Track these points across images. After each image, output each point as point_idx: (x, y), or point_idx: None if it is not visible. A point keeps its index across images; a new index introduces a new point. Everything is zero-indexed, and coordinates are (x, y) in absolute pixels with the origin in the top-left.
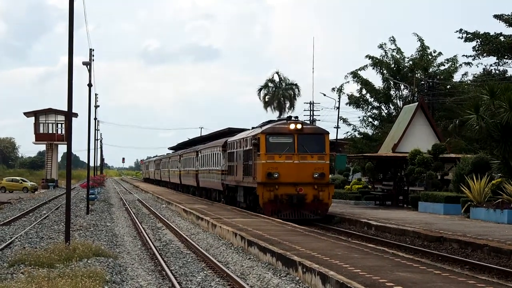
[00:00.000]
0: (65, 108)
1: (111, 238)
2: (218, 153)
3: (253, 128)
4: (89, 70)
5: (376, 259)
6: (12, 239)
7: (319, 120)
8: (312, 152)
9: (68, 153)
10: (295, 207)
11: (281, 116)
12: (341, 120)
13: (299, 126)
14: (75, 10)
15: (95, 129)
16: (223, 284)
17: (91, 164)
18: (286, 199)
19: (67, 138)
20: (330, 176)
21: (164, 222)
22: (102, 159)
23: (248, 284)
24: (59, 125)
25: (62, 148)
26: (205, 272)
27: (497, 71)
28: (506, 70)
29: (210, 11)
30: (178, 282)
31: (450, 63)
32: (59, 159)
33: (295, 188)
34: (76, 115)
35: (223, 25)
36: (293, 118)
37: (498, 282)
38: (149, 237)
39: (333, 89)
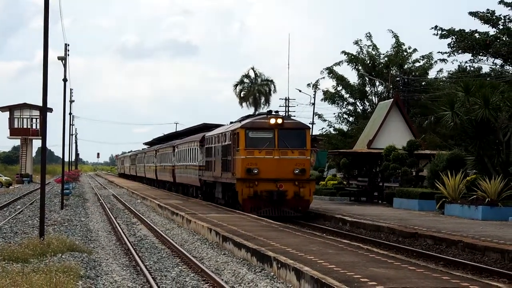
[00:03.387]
0: (41, 103)
1: (86, 233)
2: (195, 148)
3: (231, 122)
4: (64, 65)
5: (351, 255)
6: None
7: (295, 116)
8: (293, 148)
9: (43, 148)
10: (275, 204)
11: (257, 112)
12: (317, 116)
13: (279, 120)
14: (51, 6)
15: (70, 124)
16: (197, 280)
17: (66, 159)
18: (266, 196)
19: (42, 133)
20: None
21: (139, 217)
22: (77, 154)
23: (222, 279)
24: (34, 120)
25: (37, 143)
26: (180, 267)
27: (472, 68)
28: (481, 67)
29: (188, 7)
30: (152, 278)
31: (425, 59)
32: (34, 154)
33: (275, 184)
34: (51, 110)
35: (200, 21)
36: (273, 113)
37: (472, 278)
38: (123, 232)
39: (308, 85)
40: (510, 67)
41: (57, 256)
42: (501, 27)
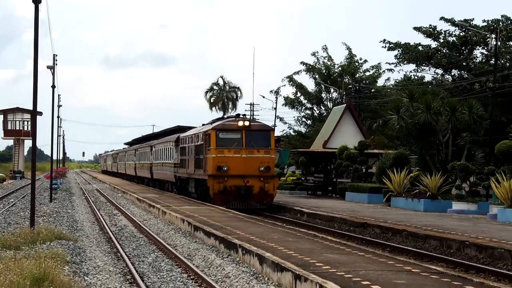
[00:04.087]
0: (32, 107)
1: (72, 223)
2: (171, 148)
3: (203, 125)
4: (53, 73)
5: (307, 242)
6: None
7: (259, 120)
8: (259, 147)
9: (33, 148)
10: (242, 198)
11: (225, 115)
12: (278, 119)
13: (247, 123)
14: (41, 20)
15: (58, 126)
16: (171, 264)
17: (54, 157)
18: (234, 190)
19: (32, 134)
20: None
21: (120, 210)
22: (64, 153)
23: (194, 264)
24: (26, 123)
25: (28, 143)
26: (156, 253)
27: (415, 77)
28: (424, 76)
29: (165, 22)
30: (131, 263)
31: (374, 69)
32: (26, 153)
33: (243, 180)
34: (41, 113)
35: (176, 35)
36: (241, 116)
37: (415, 263)
38: (106, 223)
39: (271, 91)
40: (449, 76)
41: (46, 243)
42: (441, 40)
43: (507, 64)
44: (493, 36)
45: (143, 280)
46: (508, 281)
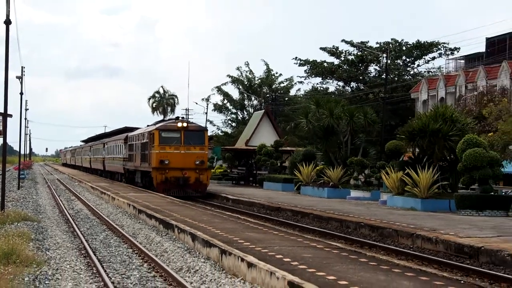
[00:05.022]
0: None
1: (36, 207)
2: (121, 145)
3: (148, 125)
4: (21, 82)
5: (232, 223)
6: None
7: (194, 122)
8: (195, 145)
9: (4, 145)
10: (181, 187)
11: (166, 118)
12: (208, 122)
13: (185, 124)
14: (12, 38)
15: (25, 126)
16: (119, 241)
17: (22, 152)
18: (174, 181)
19: (4, 133)
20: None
21: (76, 196)
22: (30, 149)
23: (137, 241)
24: None
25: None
26: (106, 232)
27: (321, 88)
28: (328, 87)
29: (116, 41)
30: (86, 240)
31: (287, 81)
32: None
33: (181, 172)
34: (11, 115)
35: (126, 51)
36: (180, 118)
37: (319, 240)
38: (64, 207)
39: (203, 99)
40: (349, 88)
41: (14, 224)
42: (342, 58)
43: (396, 78)
44: (384, 55)
45: (95, 254)
46: (395, 254)
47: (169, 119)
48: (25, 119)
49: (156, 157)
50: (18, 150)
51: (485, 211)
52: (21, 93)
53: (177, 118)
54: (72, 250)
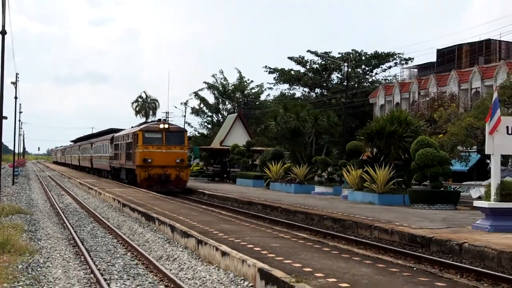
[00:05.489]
0: None
1: (29, 201)
2: (107, 144)
3: (132, 127)
4: (15, 88)
5: (207, 216)
6: None
7: (175, 124)
8: (175, 144)
9: (0, 144)
10: (163, 183)
11: (149, 120)
12: (187, 124)
13: (166, 126)
14: (8, 46)
15: (19, 127)
16: (105, 232)
17: (16, 151)
18: (156, 177)
19: None
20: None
21: (66, 191)
22: (24, 148)
23: (122, 232)
24: None
25: None
26: (93, 224)
27: (289, 94)
28: (295, 93)
29: (102, 49)
30: (74, 231)
31: (258, 87)
32: None
33: (163, 169)
34: (6, 117)
35: (111, 59)
36: (162, 120)
37: (287, 231)
38: (55, 201)
39: (181, 103)
40: (314, 93)
41: (8, 217)
42: (308, 67)
43: (356, 85)
44: (346, 64)
45: (83, 244)
46: (355, 244)
47: (151, 121)
48: (19, 121)
49: (140, 155)
50: (12, 149)
51: (436, 205)
52: (16, 97)
53: (159, 120)
54: (62, 240)
